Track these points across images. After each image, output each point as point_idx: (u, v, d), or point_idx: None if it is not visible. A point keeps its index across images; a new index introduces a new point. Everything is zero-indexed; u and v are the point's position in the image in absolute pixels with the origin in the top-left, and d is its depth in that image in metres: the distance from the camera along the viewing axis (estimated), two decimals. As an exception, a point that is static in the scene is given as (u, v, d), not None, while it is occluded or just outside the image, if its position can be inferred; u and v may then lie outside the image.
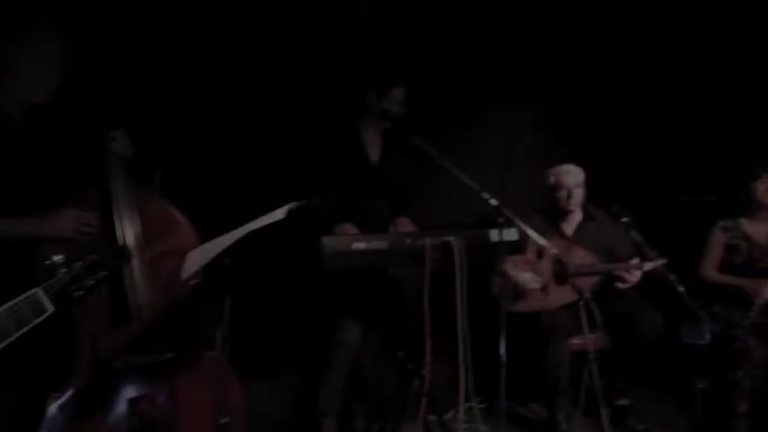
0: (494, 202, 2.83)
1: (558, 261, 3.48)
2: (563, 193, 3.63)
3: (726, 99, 4.25)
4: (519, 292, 3.48)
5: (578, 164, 3.73)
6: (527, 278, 3.47)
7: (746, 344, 3.49)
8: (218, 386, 2.33)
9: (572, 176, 3.65)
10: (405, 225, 3.22)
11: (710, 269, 3.82)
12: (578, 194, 3.64)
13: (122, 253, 2.30)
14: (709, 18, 4.22)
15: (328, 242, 2.52)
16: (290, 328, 3.54)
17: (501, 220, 2.83)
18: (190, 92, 3.43)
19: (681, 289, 3.22)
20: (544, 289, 3.50)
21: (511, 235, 2.92)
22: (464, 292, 2.69)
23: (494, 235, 2.88)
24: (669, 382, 3.85)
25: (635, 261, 3.43)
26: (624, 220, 3.38)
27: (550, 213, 3.71)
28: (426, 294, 2.66)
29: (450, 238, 2.75)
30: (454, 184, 2.89)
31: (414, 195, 3.47)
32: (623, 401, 3.54)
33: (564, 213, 3.68)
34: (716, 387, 3.46)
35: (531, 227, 3.54)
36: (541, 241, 2.90)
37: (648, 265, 3.35)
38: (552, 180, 3.69)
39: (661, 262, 3.34)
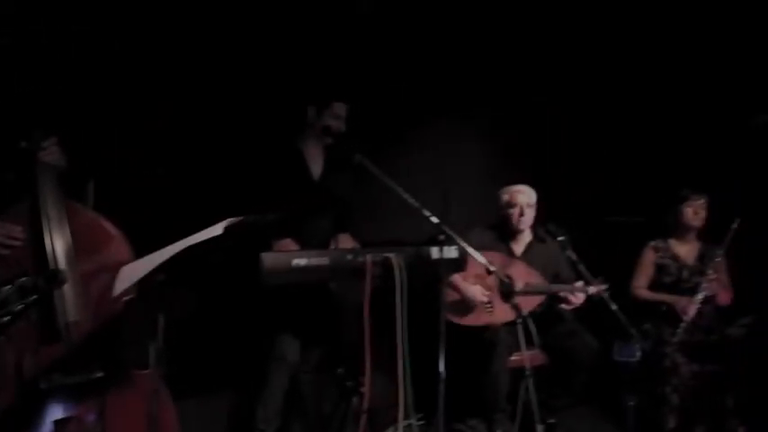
0: (434, 219, 2.85)
1: (506, 278, 3.55)
2: (515, 210, 3.70)
3: (656, 125, 4.43)
4: (467, 305, 3.52)
5: (517, 182, 3.82)
6: (476, 292, 3.52)
7: (674, 361, 3.62)
8: (151, 406, 2.26)
9: (525, 196, 3.73)
10: (346, 241, 3.21)
11: (641, 287, 3.95)
12: (529, 214, 3.72)
13: (55, 276, 2.20)
14: (640, 45, 4.40)
15: (268, 258, 2.48)
16: (227, 345, 3.47)
17: (441, 237, 2.86)
18: (128, 102, 3.35)
19: (614, 307, 3.31)
20: (490, 304, 3.55)
21: (451, 252, 2.96)
22: (404, 308, 2.70)
23: (434, 252, 2.91)
24: (602, 399, 3.95)
25: (579, 284, 3.51)
26: (560, 238, 3.46)
27: (501, 231, 3.77)
28: (366, 311, 2.66)
29: (391, 255, 2.76)
30: (396, 200, 2.91)
31: (356, 211, 3.47)
32: (554, 420, 3.61)
33: (514, 232, 3.75)
34: (646, 403, 3.57)
35: (481, 243, 3.65)
36: (481, 260, 2.94)
37: (592, 289, 3.44)
38: (506, 197, 3.75)
39: (603, 287, 3.45)
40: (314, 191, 3.30)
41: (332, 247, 3.20)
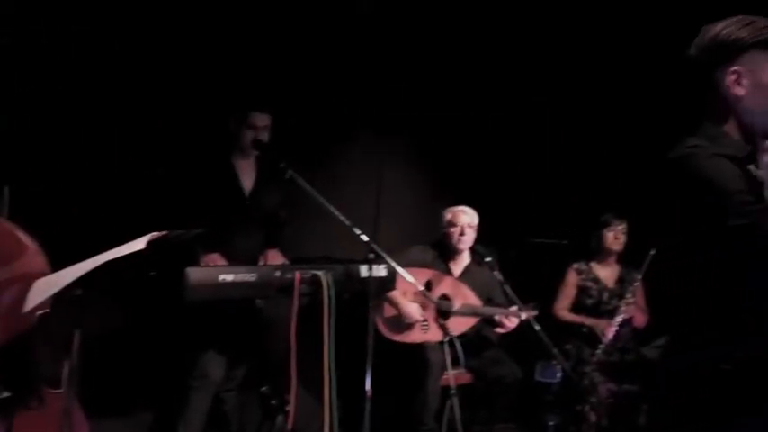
0: (364, 237, 2.86)
1: (443, 297, 3.60)
2: (456, 230, 3.74)
3: (582, 154, 4.59)
4: (404, 321, 3.54)
5: (449, 204, 3.88)
6: (413, 309, 3.54)
7: (593, 380, 3.74)
8: (64, 427, 2.15)
9: (467, 216, 3.78)
10: (275, 257, 3.18)
11: (564, 309, 4.06)
12: (470, 235, 3.77)
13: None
14: (561, 71, 4.57)
15: (193, 273, 2.43)
16: (148, 362, 3.36)
17: (371, 255, 2.87)
18: (60, 109, 3.22)
19: (538, 328, 3.40)
20: (426, 322, 3.58)
21: (380, 271, 2.98)
22: (331, 326, 2.69)
23: (364, 270, 2.92)
24: (524, 418, 4.03)
25: (514, 309, 3.58)
26: (487, 260, 3.54)
27: (441, 250, 3.81)
28: (293, 328, 2.64)
29: (320, 272, 2.75)
30: (329, 216, 2.90)
31: (287, 227, 3.44)
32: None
33: (454, 252, 3.79)
34: (566, 423, 3.67)
35: (422, 260, 3.68)
36: (410, 279, 2.97)
37: (525, 314, 3.51)
38: (448, 216, 3.79)
39: (534, 313, 3.54)
40: (243, 205, 3.25)
41: (261, 262, 3.16)
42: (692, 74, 1.61)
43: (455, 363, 3.46)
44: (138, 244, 1.85)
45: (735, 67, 1.53)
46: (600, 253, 4.08)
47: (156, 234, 1.86)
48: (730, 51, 1.54)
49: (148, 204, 3.27)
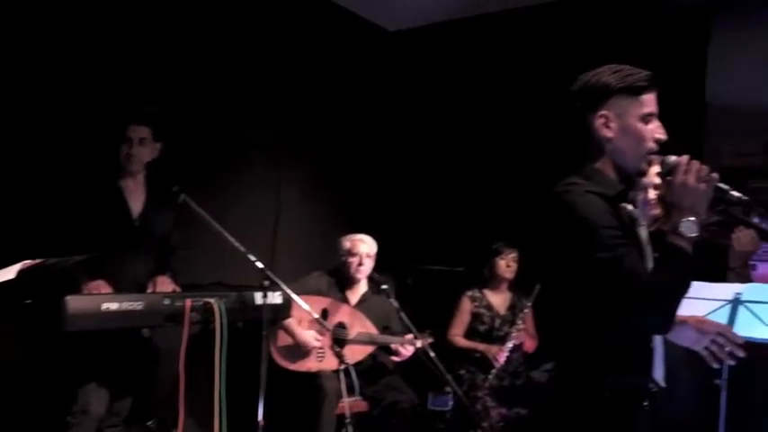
0: (259, 264, 2.81)
1: (339, 326, 3.57)
2: (354, 260, 3.72)
3: (474, 182, 4.74)
4: (299, 349, 3.47)
5: (346, 231, 3.88)
6: (308, 337, 3.49)
7: (485, 404, 3.82)
8: None
9: (366, 246, 3.77)
10: (165, 284, 3.05)
11: (458, 335, 4.14)
12: (368, 264, 3.76)
13: None
14: (467, 103, 4.73)
15: (72, 302, 2.29)
16: (23, 398, 3.11)
17: (266, 282, 2.82)
18: None
19: (432, 355, 3.43)
20: (323, 350, 3.53)
21: (275, 298, 2.94)
22: (223, 355, 2.62)
23: (258, 298, 2.86)
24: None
25: (410, 337, 3.60)
26: (384, 287, 3.56)
27: (339, 278, 3.78)
28: (182, 358, 2.54)
29: (212, 300, 2.68)
30: (223, 242, 2.83)
31: (178, 252, 3.31)
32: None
33: (351, 281, 3.77)
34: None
35: (318, 288, 3.64)
36: (305, 307, 2.94)
37: (420, 342, 3.52)
38: (347, 245, 3.77)
39: (430, 340, 3.57)
40: (131, 229, 3.10)
41: (150, 289, 3.02)
42: (570, 118, 1.72)
43: (351, 391, 3.43)
44: (8, 273, 1.72)
45: (602, 112, 1.65)
46: (492, 280, 4.20)
47: (28, 262, 1.74)
48: (599, 97, 1.66)
49: (29, 229, 3.06)
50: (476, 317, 4.15)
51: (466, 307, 4.17)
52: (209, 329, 2.68)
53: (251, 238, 4.15)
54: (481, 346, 4.04)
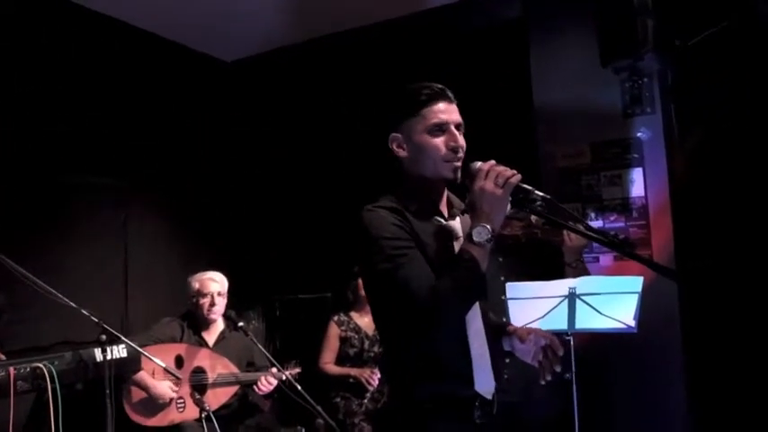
0: (95, 318, 2.62)
1: (197, 371, 3.38)
2: (206, 300, 3.55)
3: (329, 208, 4.72)
4: (156, 403, 3.26)
5: (206, 269, 3.72)
6: (164, 388, 3.28)
7: (362, 430, 3.77)
8: None
9: (217, 284, 3.61)
10: (-13, 353, 2.77)
11: (328, 362, 4.06)
12: (221, 303, 3.59)
13: None
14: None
15: None
16: None
17: (103, 337, 2.63)
18: None
19: (299, 387, 3.34)
20: (182, 399, 3.33)
21: (119, 352, 2.75)
22: (60, 421, 2.41)
23: (98, 354, 2.67)
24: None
25: (273, 370, 3.48)
26: (240, 325, 3.44)
27: (192, 320, 3.60)
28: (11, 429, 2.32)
29: (41, 364, 2.46)
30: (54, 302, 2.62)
31: (5, 315, 3.03)
32: None
33: (206, 322, 3.60)
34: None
35: (169, 335, 3.44)
36: (148, 357, 2.77)
37: (287, 373, 3.41)
38: (196, 286, 3.59)
39: (297, 370, 3.48)
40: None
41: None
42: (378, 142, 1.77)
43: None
44: None
45: (393, 134, 1.71)
46: (357, 302, 4.16)
47: None
48: (388, 120, 1.72)
49: None
50: (344, 341, 4.10)
51: (333, 332, 4.11)
52: (43, 397, 2.47)
53: (103, 285, 3.95)
54: (353, 371, 3.98)
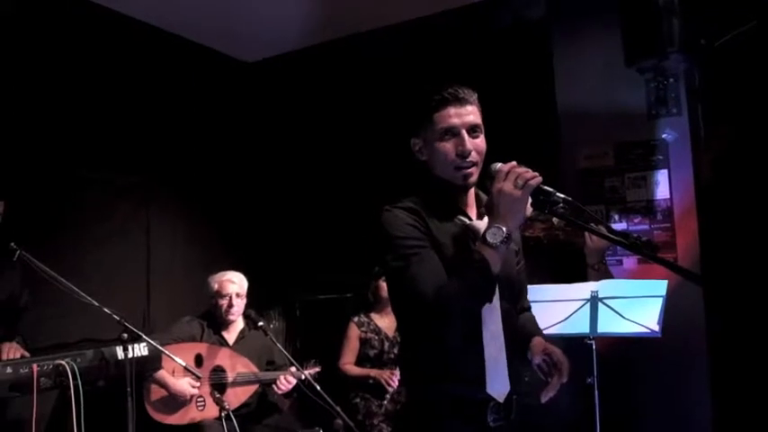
0: (116, 316, 2.65)
1: (217, 370, 3.40)
2: (224, 301, 3.56)
3: (352, 208, 4.71)
4: (176, 401, 3.29)
5: (227, 269, 3.73)
6: (183, 386, 3.30)
7: (381, 431, 3.76)
8: None
9: (236, 285, 3.61)
10: (12, 351, 2.81)
11: (348, 363, 4.05)
12: (240, 304, 3.60)
13: None
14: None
15: None
16: None
17: (125, 336, 2.65)
18: None
19: (317, 387, 3.34)
20: (202, 398, 3.36)
21: (141, 350, 2.77)
22: (81, 420, 2.43)
23: (119, 352, 2.70)
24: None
25: (293, 369, 3.48)
26: (260, 324, 3.44)
27: (212, 320, 3.61)
28: (34, 428, 2.34)
29: (64, 362, 2.49)
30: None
31: (26, 313, 3.07)
32: None
33: (225, 322, 3.61)
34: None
35: (189, 334, 3.46)
36: (168, 354, 2.78)
37: (306, 373, 3.41)
38: (215, 286, 3.60)
39: (316, 369, 3.48)
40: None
41: (-5, 358, 2.78)
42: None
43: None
44: None
45: (413, 138, 1.72)
46: (377, 303, 4.15)
47: None
48: (410, 123, 1.72)
49: None
50: (364, 342, 4.09)
51: (354, 333, 4.11)
52: (66, 393, 2.49)
53: (125, 284, 3.99)
54: (373, 372, 3.97)
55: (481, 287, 1.52)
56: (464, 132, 1.65)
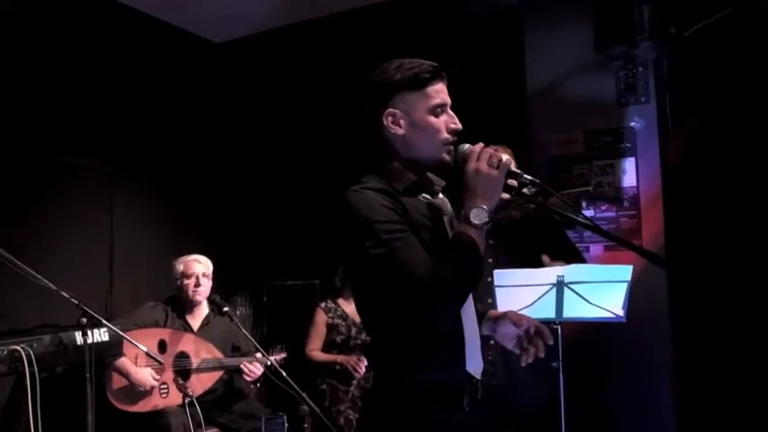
0: (75, 300, 2.57)
1: (181, 355, 3.34)
2: (190, 281, 3.52)
3: (318, 193, 4.66)
4: (138, 389, 3.22)
5: (192, 252, 3.67)
6: (145, 375, 3.24)
7: (347, 417, 3.74)
8: None
9: (201, 266, 3.58)
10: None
11: (316, 349, 4.02)
12: (206, 284, 3.56)
13: None
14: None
15: None
16: None
17: (84, 320, 2.58)
18: None
19: (283, 373, 3.30)
20: (165, 385, 3.29)
21: (101, 336, 2.71)
22: (37, 410, 2.37)
23: (78, 338, 2.63)
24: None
25: (258, 355, 3.45)
26: (225, 309, 3.39)
27: (176, 304, 3.57)
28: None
29: (18, 347, 2.42)
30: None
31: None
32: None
33: (191, 305, 3.57)
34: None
35: (152, 319, 3.40)
36: (129, 339, 2.72)
37: (272, 359, 3.38)
38: (180, 268, 3.56)
39: (283, 356, 3.44)
40: None
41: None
42: (361, 117, 1.67)
43: (206, 422, 3.22)
44: None
45: (389, 110, 1.61)
46: (345, 289, 4.12)
47: None
48: (384, 94, 1.62)
49: None
50: (331, 328, 4.05)
51: (320, 319, 4.07)
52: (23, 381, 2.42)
53: (88, 269, 3.89)
54: (340, 358, 3.94)
55: (475, 268, 1.50)
56: (449, 110, 1.63)
